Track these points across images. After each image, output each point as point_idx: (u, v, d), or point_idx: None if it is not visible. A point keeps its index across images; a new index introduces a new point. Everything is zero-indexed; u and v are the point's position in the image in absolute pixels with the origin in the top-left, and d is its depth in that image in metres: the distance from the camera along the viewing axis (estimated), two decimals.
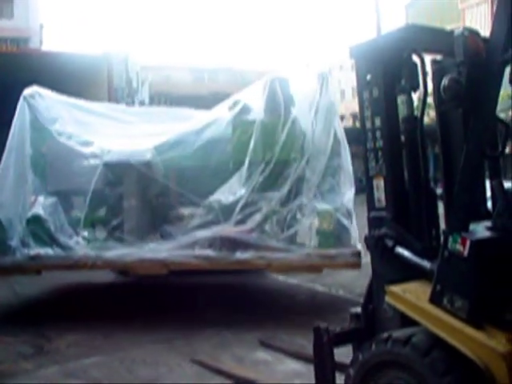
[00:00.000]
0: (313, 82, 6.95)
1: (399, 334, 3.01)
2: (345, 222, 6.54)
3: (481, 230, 2.97)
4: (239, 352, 5.64)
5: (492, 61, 2.81)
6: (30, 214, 6.84)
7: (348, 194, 6.74)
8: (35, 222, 6.81)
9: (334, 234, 6.52)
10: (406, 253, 3.24)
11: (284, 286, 8.60)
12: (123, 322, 6.53)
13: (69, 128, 7.32)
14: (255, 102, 7.11)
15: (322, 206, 6.56)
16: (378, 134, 3.41)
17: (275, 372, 5.18)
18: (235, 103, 7.15)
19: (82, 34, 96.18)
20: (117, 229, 6.91)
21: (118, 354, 5.64)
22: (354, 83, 3.59)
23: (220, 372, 5.14)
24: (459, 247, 2.80)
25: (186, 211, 7.00)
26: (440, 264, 2.93)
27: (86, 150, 7.14)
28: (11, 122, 7.10)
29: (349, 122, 40.15)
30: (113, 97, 10.50)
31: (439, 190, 3.49)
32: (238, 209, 6.59)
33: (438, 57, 3.53)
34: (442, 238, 3.02)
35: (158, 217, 7.15)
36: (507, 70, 2.85)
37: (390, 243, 3.30)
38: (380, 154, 3.41)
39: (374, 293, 3.50)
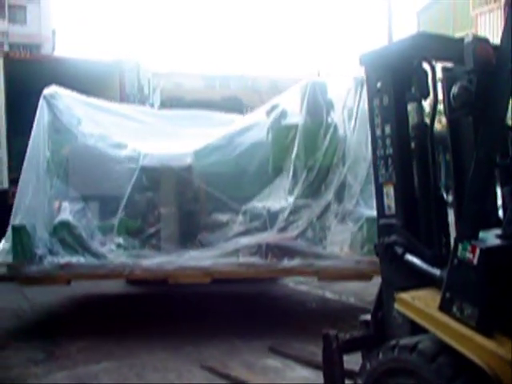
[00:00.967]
0: (348, 87, 6.76)
1: (406, 341, 3.01)
2: None
3: (491, 237, 2.96)
4: (249, 358, 5.65)
5: (502, 68, 2.80)
6: (56, 221, 6.55)
7: None
8: (63, 228, 6.51)
9: None
10: (415, 260, 3.23)
11: (294, 293, 8.59)
12: (133, 329, 6.54)
13: (96, 129, 7.06)
14: (291, 106, 7.01)
15: (370, 212, 6.31)
16: (388, 141, 3.41)
17: (285, 379, 5.20)
18: (273, 108, 7.05)
19: (94, 41, 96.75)
20: (153, 236, 6.69)
21: (127, 360, 5.67)
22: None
23: (229, 378, 5.16)
24: (469, 255, 2.79)
25: (223, 218, 6.87)
26: (449, 272, 2.92)
27: (121, 153, 6.88)
28: (25, 128, 6.95)
29: None
30: (125, 103, 10.53)
31: (451, 198, 3.49)
32: (283, 216, 6.47)
33: (449, 64, 3.53)
34: (452, 246, 3.01)
35: (196, 223, 6.94)
36: None
37: (399, 250, 3.29)
38: (390, 161, 3.40)
39: (384, 300, 3.50)
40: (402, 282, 3.27)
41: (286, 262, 6.37)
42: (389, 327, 3.45)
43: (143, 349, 5.94)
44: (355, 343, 3.64)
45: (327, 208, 6.58)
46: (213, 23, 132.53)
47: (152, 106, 11.97)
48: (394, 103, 3.37)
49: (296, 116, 6.90)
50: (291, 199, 6.54)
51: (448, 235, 3.42)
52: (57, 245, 6.47)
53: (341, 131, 6.78)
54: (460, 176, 3.44)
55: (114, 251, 6.56)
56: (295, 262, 6.37)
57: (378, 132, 3.45)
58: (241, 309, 7.31)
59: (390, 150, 3.40)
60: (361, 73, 4.08)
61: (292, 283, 8.92)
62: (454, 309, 2.84)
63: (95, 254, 6.48)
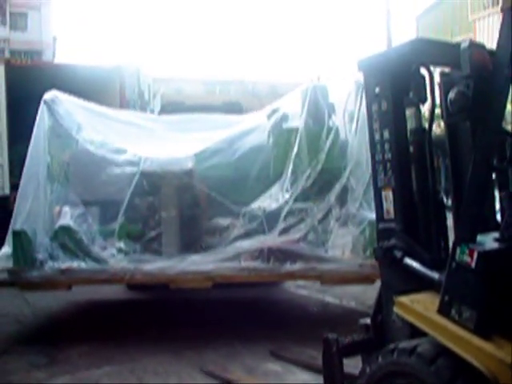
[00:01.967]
0: (349, 90, 6.71)
1: (405, 344, 3.03)
2: None
3: (488, 241, 2.98)
4: (249, 363, 5.66)
5: (498, 74, 2.83)
6: (57, 226, 6.51)
7: None
8: (64, 233, 6.46)
9: None
10: (414, 264, 3.25)
11: (295, 297, 8.60)
12: (134, 334, 6.55)
13: (97, 135, 7.02)
14: (292, 110, 7.00)
15: (372, 215, 6.31)
16: (387, 146, 3.43)
17: (285, 383, 5.20)
18: (274, 111, 7.05)
19: (95, 47, 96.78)
20: (154, 240, 6.65)
21: (129, 364, 5.68)
22: None
23: (230, 382, 5.16)
24: (467, 258, 2.81)
25: (225, 222, 6.84)
26: (448, 275, 2.94)
27: (121, 158, 6.84)
28: (26, 134, 6.91)
29: None
30: (125, 109, 10.54)
31: (450, 202, 3.51)
32: (282, 217, 6.44)
33: (447, 69, 3.56)
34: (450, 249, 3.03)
35: (197, 228, 6.89)
36: None
37: (398, 254, 3.32)
38: (389, 165, 3.43)
39: (383, 304, 3.52)
40: (401, 286, 3.29)
41: (289, 266, 6.34)
42: (388, 330, 3.47)
43: (144, 353, 5.96)
44: (355, 347, 3.66)
45: (329, 211, 6.58)
46: (213, 29, 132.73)
47: (152, 111, 11.97)
48: (392, 108, 3.39)
49: (297, 119, 6.88)
50: (289, 198, 6.52)
51: (447, 239, 3.44)
52: (57, 250, 6.44)
53: (342, 134, 6.77)
54: (458, 180, 3.46)
55: (114, 256, 6.52)
56: (297, 266, 6.34)
57: (377, 137, 3.48)
58: (241, 313, 7.32)
59: (388, 155, 3.42)
60: (360, 77, 4.09)
61: (292, 287, 8.93)
62: (453, 312, 2.86)
63: (96, 259, 6.44)
